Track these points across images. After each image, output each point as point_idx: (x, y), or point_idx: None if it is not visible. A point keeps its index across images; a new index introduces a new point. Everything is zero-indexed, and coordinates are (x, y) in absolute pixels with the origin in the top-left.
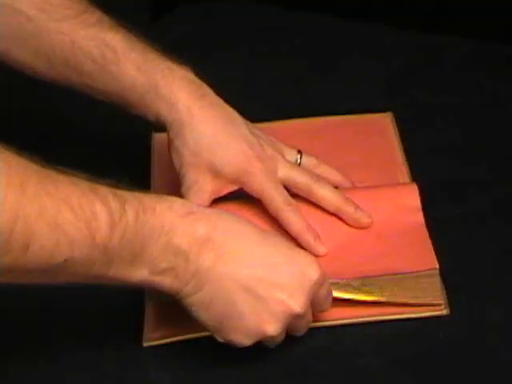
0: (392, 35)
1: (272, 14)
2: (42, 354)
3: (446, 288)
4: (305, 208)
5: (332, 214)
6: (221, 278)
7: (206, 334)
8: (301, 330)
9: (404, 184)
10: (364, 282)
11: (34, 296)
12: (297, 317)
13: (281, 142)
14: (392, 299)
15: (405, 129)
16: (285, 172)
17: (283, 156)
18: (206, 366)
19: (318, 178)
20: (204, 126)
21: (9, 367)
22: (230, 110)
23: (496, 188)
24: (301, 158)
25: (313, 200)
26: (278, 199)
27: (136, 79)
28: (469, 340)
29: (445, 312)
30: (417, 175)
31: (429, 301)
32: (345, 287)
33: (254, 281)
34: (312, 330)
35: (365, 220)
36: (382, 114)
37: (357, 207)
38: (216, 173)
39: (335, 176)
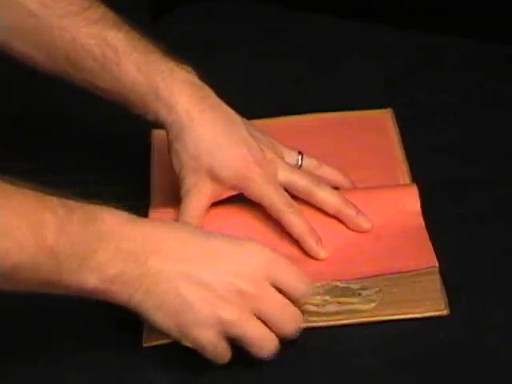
0: (392, 35)
1: (272, 13)
2: (41, 354)
3: (446, 288)
4: (305, 210)
5: (332, 216)
6: (168, 277)
7: None
8: (274, 316)
9: (404, 186)
10: (363, 284)
11: (34, 296)
12: (250, 297)
13: (281, 140)
14: (389, 309)
15: (405, 129)
16: (285, 175)
17: (283, 158)
18: (206, 367)
19: (319, 180)
20: (203, 129)
21: (9, 367)
22: (231, 112)
23: (496, 188)
24: (301, 159)
25: (313, 203)
26: (278, 202)
27: (136, 79)
28: (469, 340)
29: (445, 312)
30: (417, 175)
31: (428, 305)
32: (343, 291)
33: (198, 271)
34: (311, 330)
35: (365, 224)
36: (382, 110)
37: (358, 211)
38: (215, 177)
39: (336, 177)
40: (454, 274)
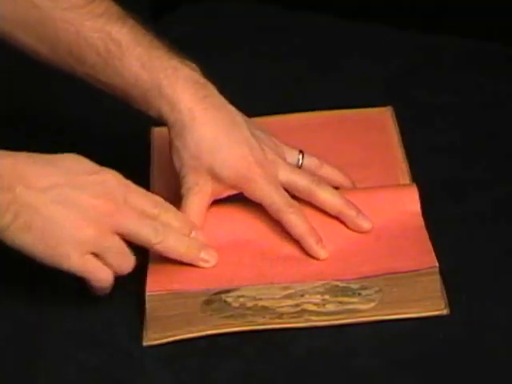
0: (392, 35)
1: (272, 13)
2: (40, 354)
3: (446, 288)
4: (305, 210)
5: (332, 216)
6: (32, 200)
7: (206, 333)
8: (134, 227)
9: (404, 186)
10: (363, 284)
11: (34, 296)
12: (108, 214)
13: (281, 137)
14: (389, 309)
15: (405, 129)
16: (286, 176)
17: (284, 159)
18: (206, 366)
19: (319, 181)
20: (205, 128)
21: (9, 367)
22: (234, 111)
23: (496, 188)
24: (303, 158)
25: (314, 203)
26: (279, 202)
27: (139, 76)
28: (469, 340)
29: (445, 312)
30: (417, 175)
31: (428, 305)
32: (344, 290)
33: (59, 192)
34: (311, 330)
35: (366, 225)
36: (382, 108)
37: (358, 211)
38: (216, 177)
39: (337, 177)
40: (453, 274)
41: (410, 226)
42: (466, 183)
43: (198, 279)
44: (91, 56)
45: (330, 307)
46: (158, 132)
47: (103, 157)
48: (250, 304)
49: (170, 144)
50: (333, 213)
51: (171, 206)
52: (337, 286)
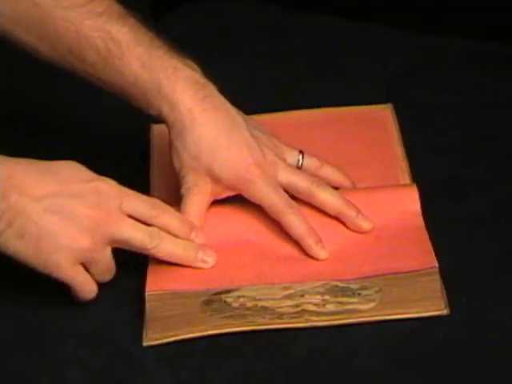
0: (392, 35)
1: (272, 13)
2: (41, 354)
3: (446, 288)
4: (305, 210)
5: (332, 216)
6: (26, 208)
7: (206, 333)
8: (127, 237)
9: (404, 186)
10: (363, 284)
11: (34, 297)
12: (101, 224)
13: (281, 135)
14: (389, 309)
15: (405, 129)
16: (285, 177)
17: (284, 159)
18: (206, 366)
19: (319, 181)
20: (205, 129)
21: (8, 367)
22: (233, 112)
23: (496, 188)
24: (303, 158)
25: (314, 204)
26: (278, 203)
27: (139, 75)
28: (469, 340)
29: (445, 312)
30: (417, 175)
31: (428, 305)
32: (343, 290)
33: (54, 201)
34: (311, 330)
35: (365, 225)
36: (383, 106)
37: (358, 212)
38: (215, 177)
39: (337, 177)
40: (453, 274)
41: (410, 226)
42: (466, 183)
43: (198, 279)
44: (91, 55)
45: (330, 307)
46: (157, 129)
47: (103, 156)
48: (249, 304)
49: (170, 144)
50: (333, 213)
51: (169, 207)
52: (337, 286)
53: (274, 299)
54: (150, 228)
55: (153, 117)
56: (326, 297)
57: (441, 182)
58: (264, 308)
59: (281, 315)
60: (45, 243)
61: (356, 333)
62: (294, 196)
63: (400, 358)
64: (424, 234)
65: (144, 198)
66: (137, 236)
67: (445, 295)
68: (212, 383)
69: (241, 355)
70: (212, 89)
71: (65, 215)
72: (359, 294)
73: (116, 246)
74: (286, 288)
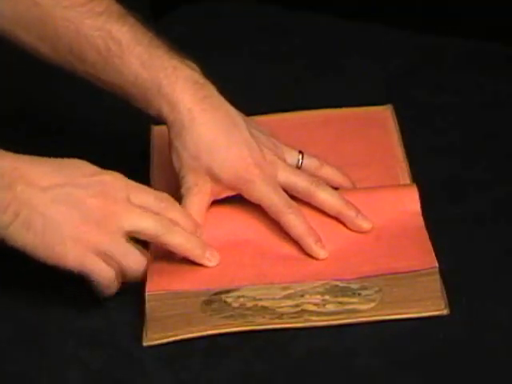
0: (392, 35)
1: (272, 13)
2: (41, 354)
3: (446, 288)
4: (304, 210)
5: (332, 216)
6: (32, 199)
7: (206, 333)
8: (137, 227)
9: (404, 186)
10: (363, 284)
11: (34, 297)
12: (110, 214)
13: (281, 136)
14: (389, 309)
15: (405, 129)
16: (285, 177)
17: (284, 159)
18: (206, 366)
19: (319, 181)
20: (204, 129)
21: (8, 367)
22: (233, 112)
23: (496, 188)
24: (302, 158)
25: (314, 204)
26: (277, 203)
27: (139, 74)
28: (469, 340)
29: (445, 312)
30: (417, 175)
31: (428, 305)
32: (343, 290)
33: (61, 191)
34: (311, 330)
35: (365, 225)
36: (383, 107)
37: (358, 212)
38: (214, 177)
39: (337, 177)
40: (453, 274)
41: (410, 226)
42: (466, 183)
43: (198, 279)
44: (91, 54)
45: (330, 307)
46: (157, 131)
47: (103, 156)
48: (249, 304)
49: (170, 144)
50: (332, 213)
51: (176, 202)
52: (337, 285)
53: (273, 299)
54: (161, 216)
55: (153, 117)
56: (326, 297)
57: (441, 182)
58: (264, 308)
59: (281, 315)
60: (51, 234)
61: (356, 333)
62: (293, 196)
63: (400, 358)
64: (424, 234)
65: (152, 191)
66: (147, 222)
67: (445, 295)
68: (212, 383)
69: (240, 355)
70: (211, 89)
71: (71, 205)
72: (359, 294)
73: (129, 235)
74: (285, 288)
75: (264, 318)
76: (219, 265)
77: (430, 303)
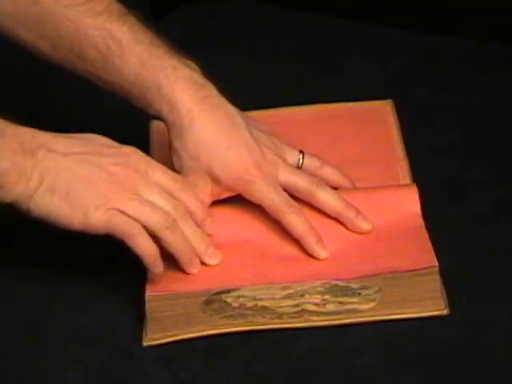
0: (392, 35)
1: (272, 13)
2: (41, 354)
3: (446, 288)
4: (305, 209)
5: (332, 216)
6: (55, 162)
7: (206, 333)
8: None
9: (404, 186)
10: (363, 283)
11: (33, 296)
12: (131, 180)
13: (280, 132)
14: (389, 309)
15: (405, 129)
16: (285, 177)
17: (284, 159)
18: (206, 366)
19: (319, 182)
20: (204, 130)
21: (8, 367)
22: (233, 112)
23: (496, 188)
24: (303, 158)
25: (314, 204)
26: (278, 203)
27: (139, 74)
28: (469, 340)
29: (445, 312)
30: (417, 175)
31: (428, 305)
32: (343, 290)
33: (83, 157)
34: (311, 330)
35: (365, 226)
36: (382, 102)
37: (358, 213)
38: (215, 178)
39: (337, 177)
40: (453, 274)
41: (410, 226)
42: (466, 183)
43: (198, 279)
44: (91, 53)
45: (330, 307)
46: (156, 126)
47: None
48: (249, 304)
49: (170, 144)
50: (332, 214)
51: (193, 186)
52: (337, 285)
53: (273, 299)
54: (176, 202)
55: (152, 116)
56: (326, 296)
57: (441, 182)
58: (264, 308)
59: (281, 315)
60: (76, 196)
61: (356, 333)
62: (293, 196)
63: (400, 358)
64: (424, 234)
65: (169, 171)
66: (163, 204)
67: (445, 295)
68: (211, 383)
69: (240, 355)
70: (211, 89)
71: (94, 168)
72: (359, 294)
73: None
74: (285, 288)
75: (264, 317)
76: (219, 265)
77: (430, 303)
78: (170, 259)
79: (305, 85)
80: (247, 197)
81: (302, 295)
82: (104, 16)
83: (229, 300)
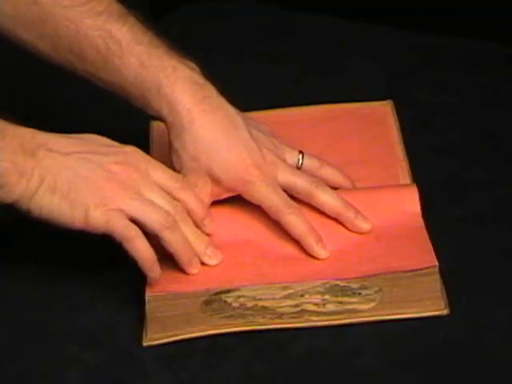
0: (392, 35)
1: (272, 13)
2: (41, 354)
3: (446, 288)
4: (305, 209)
5: (332, 217)
6: (55, 162)
7: (206, 333)
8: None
9: (404, 186)
10: (363, 283)
11: (33, 296)
12: (132, 179)
13: (280, 132)
14: (389, 309)
15: (405, 129)
16: (285, 177)
17: (284, 160)
18: (206, 366)
19: (319, 182)
20: (204, 130)
21: (9, 367)
22: (233, 112)
23: (496, 188)
24: (302, 158)
25: (314, 205)
26: (278, 203)
27: (139, 74)
28: (469, 340)
29: (445, 312)
30: (417, 175)
31: (428, 305)
32: (343, 290)
33: (83, 156)
34: (311, 330)
35: (365, 226)
36: (382, 102)
37: (357, 213)
38: (214, 178)
39: (336, 177)
40: (453, 274)
41: (410, 226)
42: (466, 183)
43: (198, 280)
44: (91, 53)
45: (330, 307)
46: (156, 126)
47: None
48: (249, 304)
49: (170, 145)
50: (332, 214)
51: (193, 186)
52: (337, 285)
53: (273, 299)
54: (176, 202)
55: (152, 116)
56: (326, 296)
57: (441, 182)
58: (264, 308)
59: (281, 315)
60: (76, 195)
61: (356, 333)
62: (293, 196)
63: (400, 358)
64: (424, 234)
65: (170, 170)
66: (163, 203)
67: (445, 295)
68: (211, 383)
69: (240, 355)
70: (211, 89)
71: (94, 167)
72: (359, 294)
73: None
74: (285, 288)
75: (264, 317)
76: (219, 265)
77: (430, 303)
78: (169, 259)
79: (305, 85)
80: (247, 197)
81: (302, 295)
82: (104, 16)
83: (229, 300)
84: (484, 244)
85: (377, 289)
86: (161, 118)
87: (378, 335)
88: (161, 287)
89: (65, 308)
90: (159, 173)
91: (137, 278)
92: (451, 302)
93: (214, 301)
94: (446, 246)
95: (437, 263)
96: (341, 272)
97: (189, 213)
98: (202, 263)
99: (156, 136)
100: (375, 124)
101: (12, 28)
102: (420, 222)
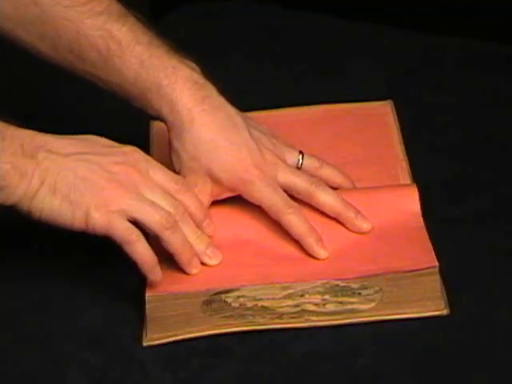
0: (392, 35)
1: (272, 13)
2: (41, 354)
3: (446, 288)
4: (305, 209)
5: (332, 217)
6: (55, 163)
7: (206, 333)
8: (154, 196)
9: (404, 186)
10: (363, 283)
11: (33, 296)
12: (132, 180)
13: (280, 132)
14: (389, 309)
15: (405, 129)
16: (285, 177)
17: (284, 160)
18: (206, 366)
19: (319, 182)
20: (204, 130)
21: (8, 367)
22: (233, 112)
23: (496, 188)
24: (302, 158)
25: (314, 205)
26: (278, 203)
27: (139, 74)
28: (469, 340)
29: (445, 312)
30: (417, 175)
31: (428, 305)
32: (343, 290)
33: (83, 157)
34: (311, 330)
35: (365, 226)
36: (382, 102)
37: (357, 213)
38: (214, 178)
39: (336, 177)
40: (454, 274)
41: (410, 226)
42: (466, 183)
43: (198, 280)
44: (91, 54)
45: (330, 307)
46: (157, 126)
47: None
48: (249, 304)
49: (170, 145)
50: (332, 214)
51: (193, 187)
52: (337, 285)
53: (273, 299)
54: (177, 202)
55: (152, 117)
56: (326, 296)
57: (441, 182)
58: (264, 308)
59: (281, 315)
60: (76, 194)
61: (356, 333)
62: (293, 196)
63: (400, 358)
64: (424, 234)
65: (170, 171)
66: (164, 204)
67: (445, 295)
68: (211, 383)
69: (240, 355)
70: (211, 89)
71: (95, 168)
72: (359, 294)
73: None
74: (285, 288)
75: (264, 318)
76: (219, 265)
77: (430, 303)
78: (170, 259)
79: (305, 85)
80: (247, 197)
81: (302, 295)
82: (104, 16)
83: (229, 300)
84: (484, 244)
85: (377, 289)
86: (161, 118)
87: (377, 335)
88: (161, 287)
89: (65, 308)
90: (159, 174)
91: (137, 278)
92: (451, 302)
93: (214, 301)
94: (446, 246)
95: (437, 263)
96: (341, 272)
97: (188, 214)
98: (202, 263)
99: (156, 136)
100: (375, 124)
101: (12, 28)
102: (420, 222)
